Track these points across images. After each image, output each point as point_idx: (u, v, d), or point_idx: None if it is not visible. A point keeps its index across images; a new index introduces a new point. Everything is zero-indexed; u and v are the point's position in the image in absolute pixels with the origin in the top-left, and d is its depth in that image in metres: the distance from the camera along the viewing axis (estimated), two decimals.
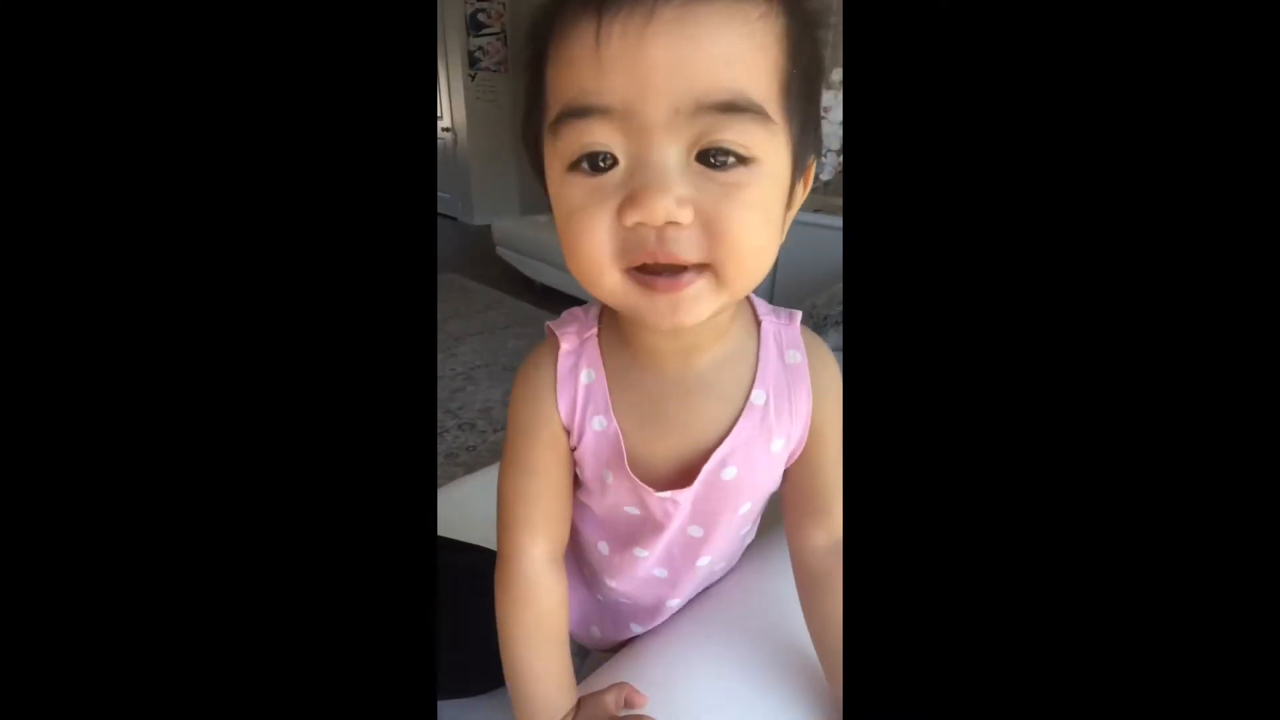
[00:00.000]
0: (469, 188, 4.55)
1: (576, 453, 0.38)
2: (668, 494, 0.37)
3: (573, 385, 0.37)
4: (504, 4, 4.24)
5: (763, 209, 0.27)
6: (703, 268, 0.27)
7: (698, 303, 0.28)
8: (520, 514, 0.38)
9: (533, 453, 0.38)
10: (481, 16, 4.18)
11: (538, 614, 0.38)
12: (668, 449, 0.37)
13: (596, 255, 0.27)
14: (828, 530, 0.41)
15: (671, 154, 0.26)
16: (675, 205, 0.25)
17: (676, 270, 0.27)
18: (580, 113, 0.26)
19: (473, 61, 4.24)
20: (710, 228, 0.26)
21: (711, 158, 0.26)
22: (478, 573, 0.58)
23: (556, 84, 0.27)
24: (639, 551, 0.42)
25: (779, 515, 0.46)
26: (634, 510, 0.40)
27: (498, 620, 0.38)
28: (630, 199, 0.26)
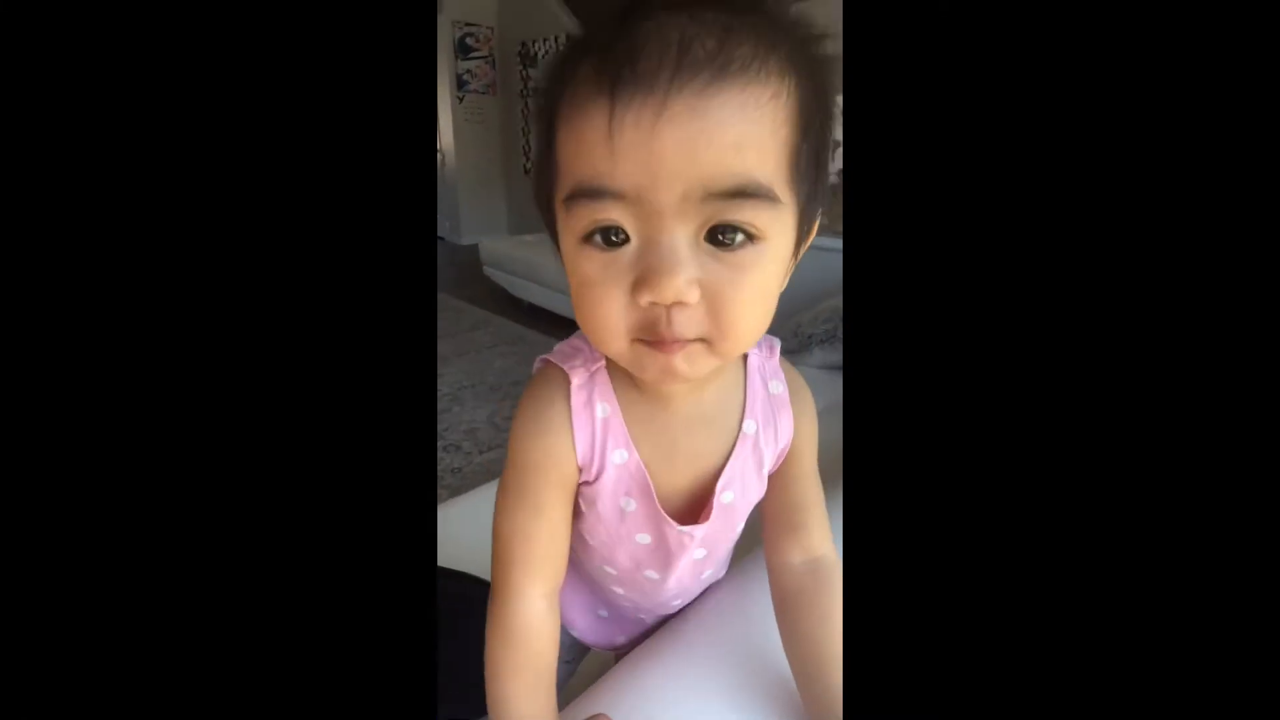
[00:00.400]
0: (457, 207, 4.57)
1: (593, 487, 0.38)
2: (686, 529, 0.39)
3: (589, 419, 0.36)
4: (491, 29, 4.30)
5: (764, 287, 0.28)
6: (699, 341, 0.28)
7: (690, 365, 0.29)
8: (521, 553, 0.37)
9: (541, 491, 0.37)
10: (470, 40, 4.24)
11: (529, 655, 0.37)
12: (681, 480, 0.39)
13: (611, 327, 0.28)
14: (803, 547, 0.42)
15: (681, 236, 0.26)
16: (685, 286, 0.26)
17: (675, 342, 0.28)
18: (592, 194, 0.26)
19: (461, 84, 4.28)
20: (713, 306, 0.27)
21: (720, 235, 0.26)
22: (464, 600, 0.57)
23: (568, 156, 0.28)
24: (650, 574, 0.43)
25: (758, 538, 0.46)
26: (646, 539, 0.40)
27: (487, 657, 0.37)
28: (642, 280, 0.27)
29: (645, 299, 0.27)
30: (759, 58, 0.25)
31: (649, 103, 0.24)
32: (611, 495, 0.38)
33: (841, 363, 1.08)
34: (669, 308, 0.27)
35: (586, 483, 0.38)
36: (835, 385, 1.03)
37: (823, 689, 0.37)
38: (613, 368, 0.37)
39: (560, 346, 0.39)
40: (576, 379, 0.36)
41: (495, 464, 1.64)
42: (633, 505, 0.38)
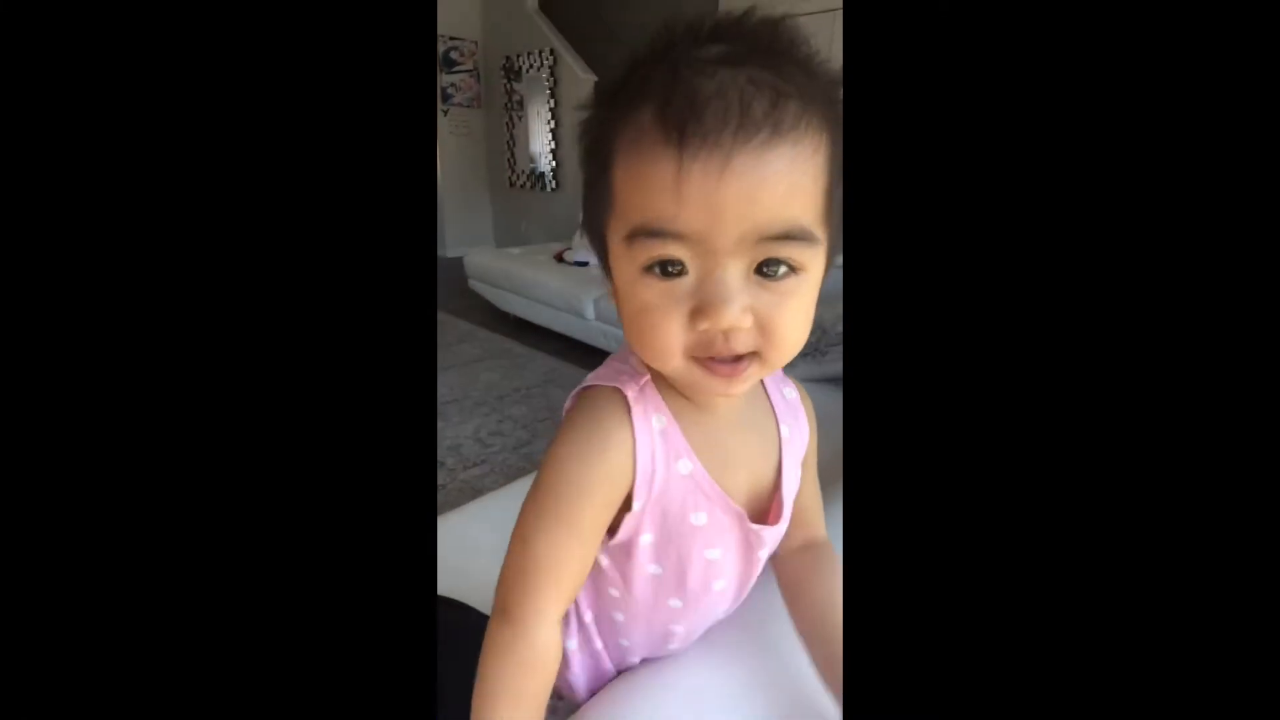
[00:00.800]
0: (442, 220, 4.55)
1: (657, 512, 0.38)
2: (757, 528, 0.41)
3: (648, 433, 0.37)
4: (476, 43, 4.32)
5: (805, 307, 0.32)
6: (753, 355, 0.32)
7: (747, 380, 0.33)
8: (551, 576, 0.37)
9: (585, 512, 0.37)
10: (454, 54, 4.25)
11: (541, 683, 0.37)
12: (740, 483, 0.41)
13: (668, 348, 0.32)
14: (804, 534, 0.47)
15: (734, 270, 0.30)
16: (739, 314, 0.30)
17: (735, 358, 0.32)
18: (657, 234, 0.29)
19: (445, 97, 4.29)
20: (764, 327, 0.31)
21: (766, 268, 0.30)
22: (444, 628, 0.55)
23: (629, 196, 0.30)
24: (717, 584, 0.43)
25: None
26: (715, 554, 0.41)
27: (488, 678, 0.36)
28: (700, 309, 0.30)
29: (703, 325, 0.30)
30: (804, 116, 0.28)
31: (715, 157, 0.27)
32: (680, 511, 0.38)
33: (822, 376, 1.08)
34: (725, 331, 0.30)
35: (646, 503, 0.37)
36: (818, 397, 1.03)
37: (833, 651, 0.41)
38: (658, 381, 0.38)
39: (599, 372, 0.39)
40: (630, 393, 0.37)
41: (479, 481, 1.61)
42: (703, 519, 0.39)
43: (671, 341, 0.31)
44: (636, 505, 0.37)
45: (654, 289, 0.31)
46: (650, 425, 0.37)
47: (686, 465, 0.38)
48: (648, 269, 0.30)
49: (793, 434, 0.44)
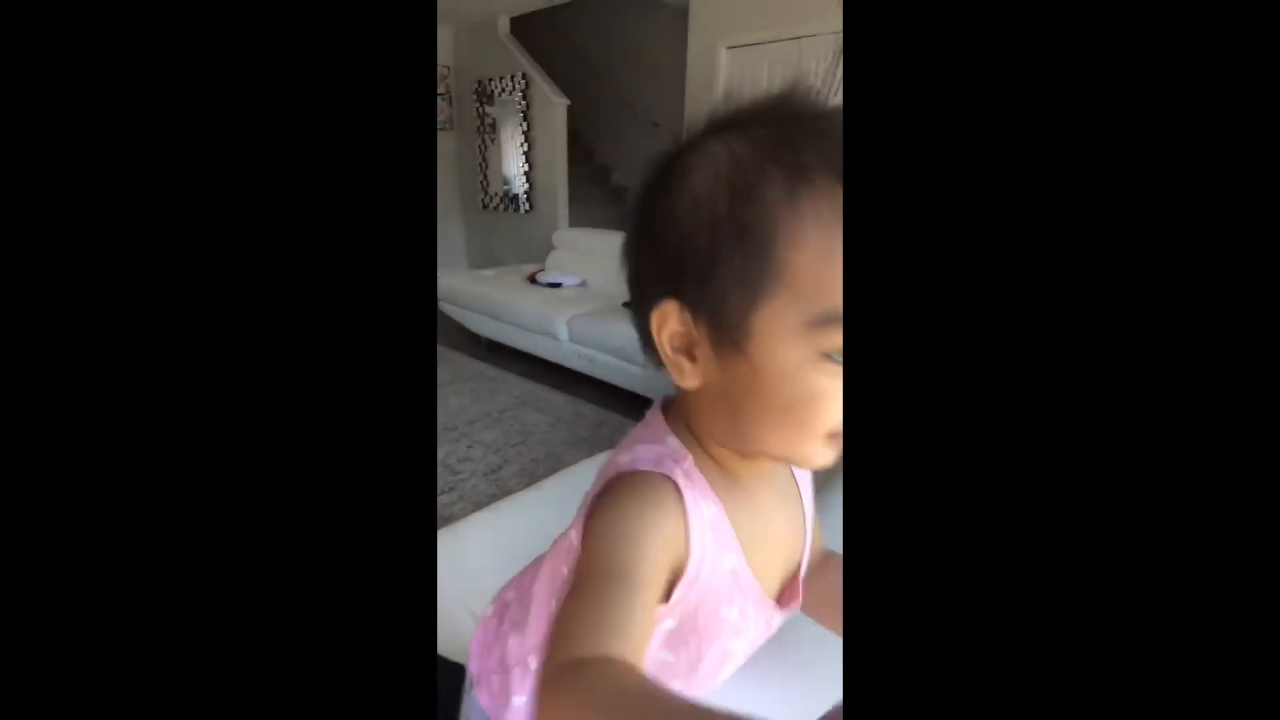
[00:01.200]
0: None
1: (698, 595, 0.35)
2: (782, 613, 0.41)
3: (701, 526, 0.34)
4: (448, 67, 4.33)
5: None
6: None
7: None
8: (619, 635, 0.31)
9: (646, 573, 0.32)
10: None
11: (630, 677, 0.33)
12: (772, 570, 0.40)
13: (823, 432, 0.31)
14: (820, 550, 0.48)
15: None
16: None
17: None
18: None
19: None
20: None
21: None
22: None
23: (822, 282, 0.29)
24: (726, 670, 0.42)
25: None
26: (736, 645, 0.40)
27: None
28: None
29: None
30: None
31: None
32: (714, 604, 0.36)
33: None
34: None
35: (668, 602, 0.34)
36: None
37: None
38: (699, 459, 0.36)
39: (636, 455, 0.35)
40: (680, 480, 0.34)
41: (447, 510, 1.57)
42: (735, 612, 0.37)
43: (829, 426, 0.31)
44: (676, 595, 0.34)
45: (832, 375, 0.30)
46: (703, 517, 0.34)
47: (731, 560, 0.36)
48: (829, 355, 0.29)
49: (809, 498, 0.44)
